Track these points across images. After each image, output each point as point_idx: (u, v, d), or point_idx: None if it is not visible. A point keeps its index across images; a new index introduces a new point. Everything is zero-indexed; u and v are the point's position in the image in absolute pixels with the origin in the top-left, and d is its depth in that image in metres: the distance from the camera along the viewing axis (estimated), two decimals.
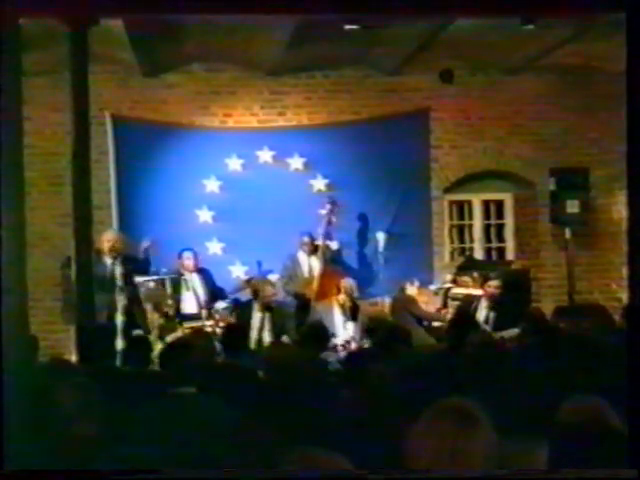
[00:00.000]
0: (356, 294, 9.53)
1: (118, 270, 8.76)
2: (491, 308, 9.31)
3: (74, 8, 7.36)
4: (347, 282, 9.51)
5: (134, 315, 8.79)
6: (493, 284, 9.43)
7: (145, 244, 9.22)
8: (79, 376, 4.38)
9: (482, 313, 9.35)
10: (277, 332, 8.90)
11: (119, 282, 8.71)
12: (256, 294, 9.22)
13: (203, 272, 9.65)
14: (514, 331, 8.09)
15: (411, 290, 10.00)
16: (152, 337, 8.58)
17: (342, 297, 9.39)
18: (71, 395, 3.85)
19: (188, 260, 9.57)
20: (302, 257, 10.10)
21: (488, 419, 2.84)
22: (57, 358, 6.69)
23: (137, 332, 8.56)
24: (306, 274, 10.05)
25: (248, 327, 8.65)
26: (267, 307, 9.09)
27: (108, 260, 8.84)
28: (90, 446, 3.65)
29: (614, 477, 2.82)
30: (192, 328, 8.49)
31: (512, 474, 2.92)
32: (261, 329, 8.95)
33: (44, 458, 3.49)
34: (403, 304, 9.89)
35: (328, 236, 10.19)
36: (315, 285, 9.87)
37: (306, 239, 10.02)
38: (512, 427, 3.15)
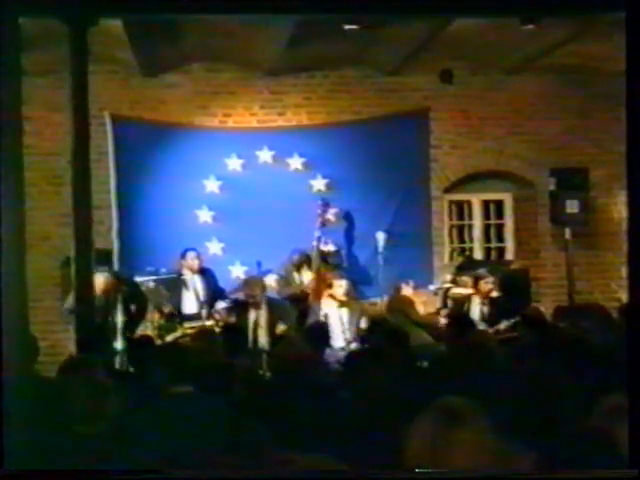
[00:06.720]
0: (352, 293, 9.51)
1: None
2: (485, 305, 9.42)
3: (74, 8, 7.38)
4: (342, 281, 9.47)
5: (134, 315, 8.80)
6: (489, 281, 9.56)
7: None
8: (97, 375, 4.35)
9: (476, 310, 9.44)
10: (272, 331, 8.87)
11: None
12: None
13: (206, 272, 9.64)
14: (510, 322, 8.60)
15: (406, 291, 9.95)
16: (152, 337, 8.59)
17: (339, 297, 9.36)
18: (88, 394, 3.84)
19: (192, 260, 9.56)
20: (294, 273, 10.06)
21: (481, 417, 2.84)
22: (74, 356, 6.60)
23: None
24: (297, 281, 10.02)
25: (247, 327, 8.65)
26: (255, 306, 9.06)
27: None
28: (95, 445, 3.65)
29: (614, 477, 2.82)
30: (193, 328, 8.48)
31: (512, 474, 2.92)
32: (255, 328, 8.93)
33: (45, 458, 3.49)
34: (398, 306, 9.84)
35: (322, 237, 10.13)
36: (311, 287, 9.84)
37: (295, 257, 9.98)
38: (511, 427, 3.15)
